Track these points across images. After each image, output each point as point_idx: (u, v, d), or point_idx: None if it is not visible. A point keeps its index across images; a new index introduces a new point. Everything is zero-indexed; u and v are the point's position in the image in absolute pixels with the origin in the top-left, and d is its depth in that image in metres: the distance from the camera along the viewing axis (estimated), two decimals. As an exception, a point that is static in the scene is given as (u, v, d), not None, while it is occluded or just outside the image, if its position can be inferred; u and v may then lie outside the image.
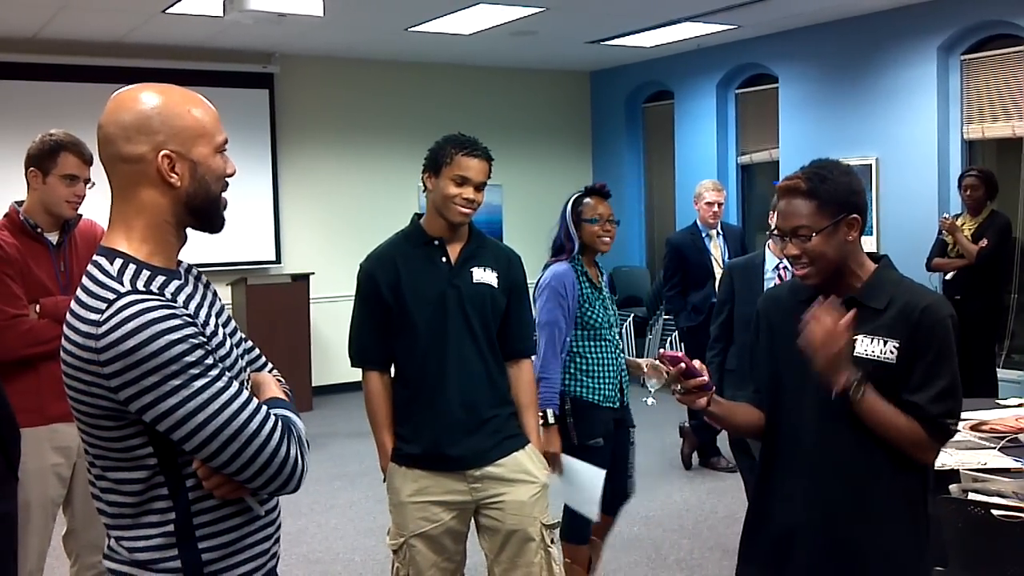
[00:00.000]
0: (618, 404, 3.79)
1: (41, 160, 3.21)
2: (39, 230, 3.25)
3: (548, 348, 3.64)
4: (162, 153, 1.64)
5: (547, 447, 3.47)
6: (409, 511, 2.96)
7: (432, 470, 2.96)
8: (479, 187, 2.93)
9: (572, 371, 3.74)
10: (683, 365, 2.23)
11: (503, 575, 3.02)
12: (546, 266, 3.82)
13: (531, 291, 3.22)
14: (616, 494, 3.90)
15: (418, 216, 3.08)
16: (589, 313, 3.73)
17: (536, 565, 2.98)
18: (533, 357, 3.36)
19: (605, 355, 3.76)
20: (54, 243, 3.29)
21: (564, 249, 3.77)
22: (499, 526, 2.98)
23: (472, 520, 3.05)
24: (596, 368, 3.74)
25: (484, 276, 2.99)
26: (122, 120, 1.65)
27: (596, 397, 3.73)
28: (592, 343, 3.75)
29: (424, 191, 3.01)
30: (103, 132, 1.67)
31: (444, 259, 2.98)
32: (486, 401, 2.97)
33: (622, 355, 3.83)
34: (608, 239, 3.76)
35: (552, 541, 3.04)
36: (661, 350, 2.28)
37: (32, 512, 3.22)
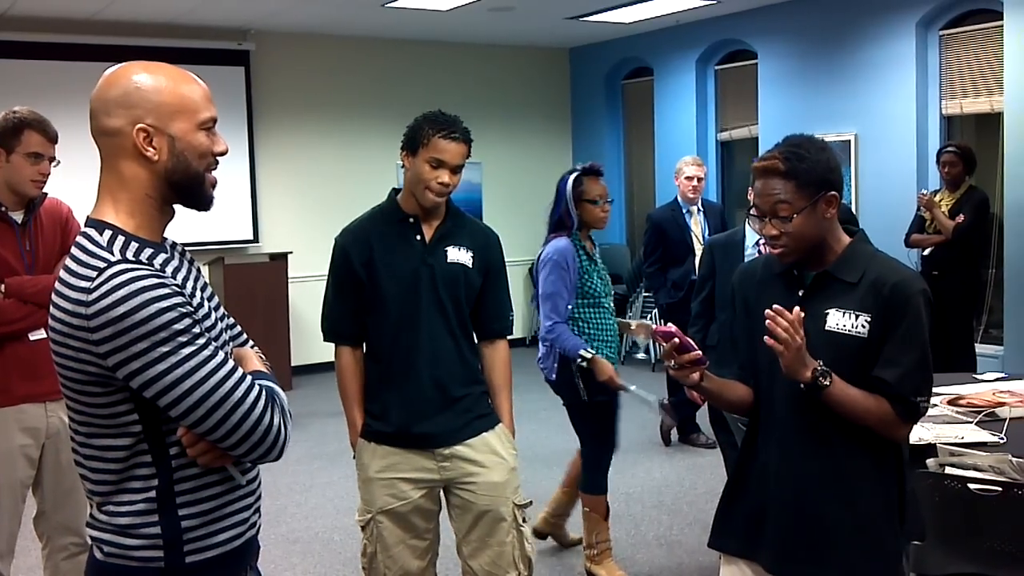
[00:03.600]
0: (616, 364, 4.04)
1: (4, 138, 3.14)
2: (3, 209, 3.19)
3: (552, 316, 3.95)
4: (137, 127, 1.66)
5: (600, 376, 3.86)
6: (376, 487, 2.95)
7: (400, 447, 2.94)
8: (455, 170, 2.87)
9: (576, 337, 3.99)
10: (677, 340, 2.21)
11: (472, 554, 3.00)
12: (546, 241, 4.06)
13: (507, 268, 3.23)
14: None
15: (395, 191, 3.03)
16: (588, 284, 4.00)
17: (508, 544, 2.97)
18: (541, 335, 3.81)
19: (603, 321, 4.06)
20: (19, 222, 3.22)
21: (564, 225, 4.01)
22: (470, 506, 2.97)
23: (442, 499, 3.03)
24: (597, 332, 4.03)
25: (459, 255, 2.96)
26: (105, 95, 1.69)
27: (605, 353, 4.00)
28: (592, 311, 4.03)
29: (403, 168, 2.96)
30: (91, 107, 1.71)
31: (419, 237, 2.94)
32: (457, 380, 2.95)
33: (615, 320, 4.15)
34: (606, 216, 4.05)
35: (524, 520, 3.02)
36: (655, 326, 2.27)
37: (1, 494, 3.19)
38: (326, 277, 3.05)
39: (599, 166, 4.10)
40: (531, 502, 3.13)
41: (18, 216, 3.23)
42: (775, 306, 2.16)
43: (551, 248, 3.98)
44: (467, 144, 2.90)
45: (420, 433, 2.92)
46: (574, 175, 4.02)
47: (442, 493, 3.03)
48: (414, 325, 2.91)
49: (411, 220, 2.95)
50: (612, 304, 4.15)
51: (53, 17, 7.68)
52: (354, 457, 3.05)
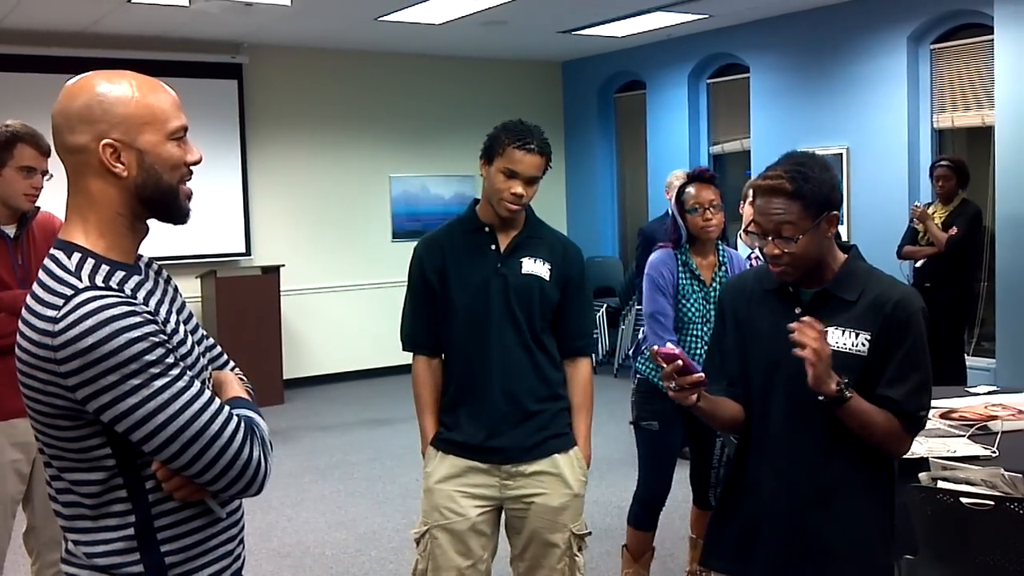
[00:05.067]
0: None
1: None
2: (-4, 223, 3.18)
3: (655, 335, 3.67)
4: (103, 142, 1.57)
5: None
6: (436, 496, 2.88)
7: (468, 458, 2.87)
8: (529, 181, 2.80)
9: (647, 353, 3.75)
10: (680, 362, 2.15)
11: (524, 573, 2.95)
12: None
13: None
14: (700, 484, 4.02)
15: (476, 201, 2.99)
16: (683, 304, 3.72)
17: (558, 572, 2.89)
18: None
19: (685, 347, 3.67)
20: (11, 236, 3.22)
21: (672, 239, 3.78)
22: (523, 525, 2.90)
23: (499, 522, 2.97)
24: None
25: (534, 267, 2.88)
26: (67, 109, 1.60)
27: (656, 380, 3.66)
28: (677, 334, 3.73)
29: (481, 176, 2.91)
30: (53, 122, 1.62)
31: (493, 247, 2.89)
32: (532, 394, 2.86)
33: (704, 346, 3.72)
34: (713, 226, 3.68)
35: (579, 549, 2.93)
36: (655, 347, 2.23)
37: (-9, 509, 3.16)
38: (405, 286, 3.01)
39: (705, 170, 3.80)
40: (590, 532, 3.02)
41: (10, 230, 3.22)
42: (804, 318, 2.14)
43: (648, 262, 3.76)
44: (543, 155, 2.82)
45: (491, 447, 2.84)
46: (684, 184, 3.76)
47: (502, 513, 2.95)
48: (484, 335, 2.83)
49: (487, 229, 2.90)
50: (707, 332, 3.69)
51: (45, 30, 7.68)
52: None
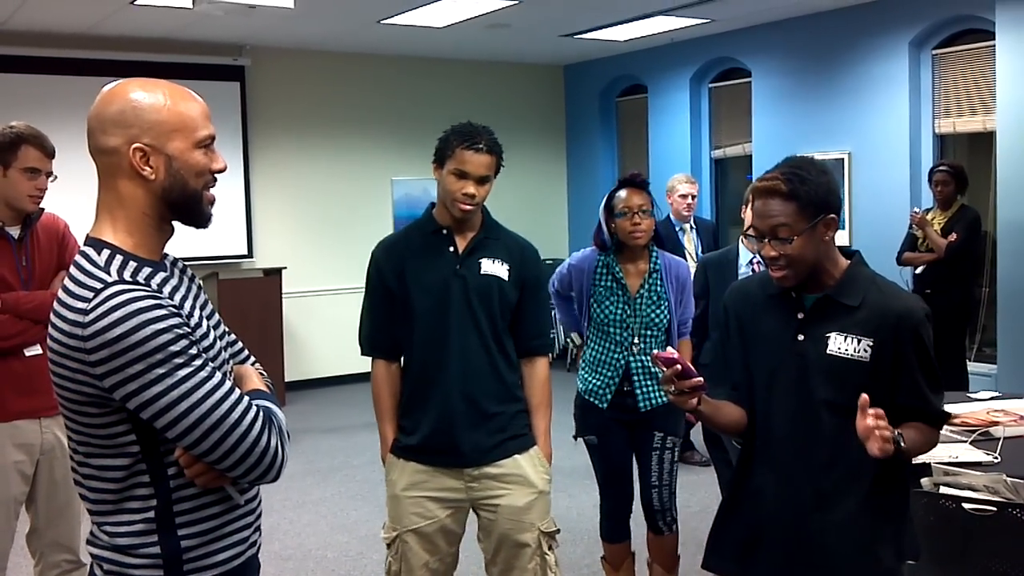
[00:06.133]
0: (606, 405, 3.64)
1: (1, 153, 3.14)
2: (0, 225, 3.19)
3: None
4: (134, 146, 1.66)
5: None
6: (403, 504, 2.91)
7: (429, 464, 2.89)
8: (481, 181, 2.84)
9: (581, 364, 3.75)
10: (679, 367, 2.16)
11: None
12: None
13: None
14: (644, 506, 3.81)
15: (432, 205, 3.01)
16: (596, 309, 3.66)
17: (530, 572, 2.91)
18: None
19: (603, 352, 3.67)
20: (15, 237, 3.22)
21: (596, 243, 3.72)
22: (492, 528, 2.92)
23: (467, 520, 2.99)
24: (591, 363, 3.70)
25: (493, 267, 2.91)
26: (102, 113, 1.68)
27: (589, 396, 3.69)
28: (596, 339, 3.70)
29: (436, 181, 2.93)
30: (88, 124, 1.70)
31: (451, 248, 2.90)
32: (490, 396, 2.88)
33: (628, 355, 3.63)
34: (640, 233, 3.58)
35: (550, 548, 2.95)
36: (655, 351, 2.23)
37: (-6, 511, 3.17)
38: (363, 291, 3.02)
39: (637, 175, 3.72)
40: (559, 530, 3.04)
41: (15, 231, 3.23)
42: (863, 396, 2.05)
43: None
44: (493, 155, 2.85)
45: (448, 450, 2.86)
46: (615, 188, 3.70)
47: (472, 512, 2.98)
48: (445, 337, 2.85)
49: (444, 232, 2.92)
50: (634, 338, 3.62)
51: (49, 32, 7.69)
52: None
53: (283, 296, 8.37)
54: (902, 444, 2.12)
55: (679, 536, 3.89)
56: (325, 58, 9.06)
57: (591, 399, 3.69)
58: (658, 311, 3.65)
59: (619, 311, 3.63)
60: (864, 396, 2.05)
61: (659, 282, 3.66)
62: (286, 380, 8.35)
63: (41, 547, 3.33)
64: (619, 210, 3.59)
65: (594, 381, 3.68)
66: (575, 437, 3.78)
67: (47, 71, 7.59)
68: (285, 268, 8.47)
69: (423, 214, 3.01)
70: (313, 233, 8.97)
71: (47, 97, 7.41)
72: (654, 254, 3.70)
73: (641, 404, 3.62)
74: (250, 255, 8.78)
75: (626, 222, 3.57)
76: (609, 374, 3.64)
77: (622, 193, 3.61)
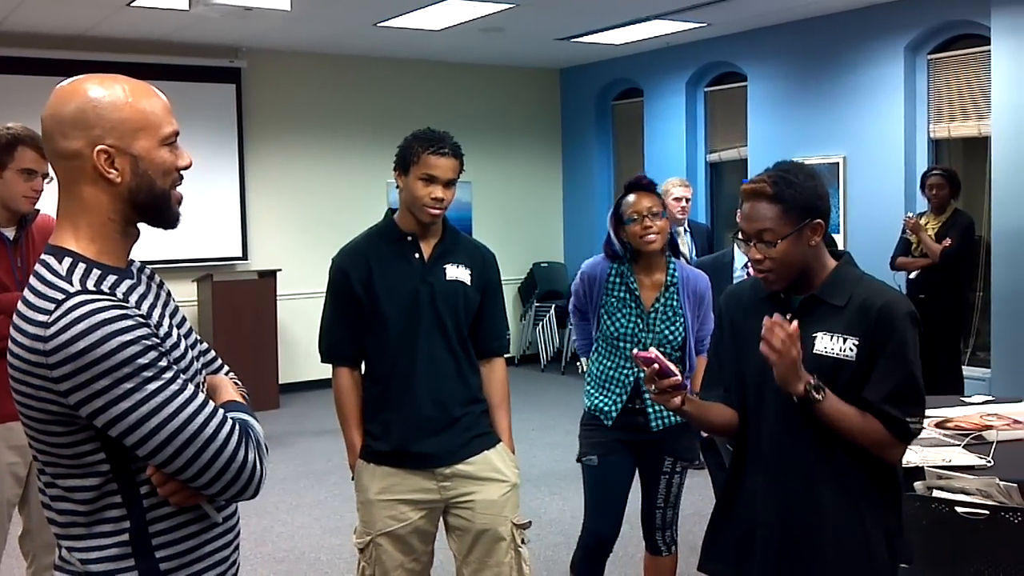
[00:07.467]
0: (611, 423, 3.46)
1: None
2: (-5, 226, 3.18)
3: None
4: (98, 148, 1.56)
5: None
6: (376, 509, 2.92)
7: (401, 468, 2.92)
8: (447, 184, 2.88)
9: (587, 380, 3.60)
10: (657, 366, 2.21)
11: (472, 575, 2.99)
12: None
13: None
14: (644, 524, 3.68)
15: (392, 211, 3.04)
16: (607, 321, 3.48)
17: (506, 565, 2.95)
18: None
19: (613, 368, 3.48)
20: (11, 239, 3.22)
21: (607, 255, 3.51)
22: (469, 526, 2.95)
23: (440, 520, 3.02)
24: (599, 379, 3.52)
25: (457, 273, 2.96)
26: (59, 114, 1.58)
27: (596, 412, 3.51)
28: (605, 353, 3.51)
29: (397, 188, 2.97)
30: (43, 127, 1.60)
31: (417, 255, 2.94)
32: (457, 399, 2.94)
33: (639, 371, 3.28)
34: (653, 236, 3.37)
35: (523, 541, 3.00)
36: (635, 351, 2.26)
37: (-12, 512, 3.16)
38: (324, 298, 3.03)
39: (642, 178, 3.51)
40: (530, 522, 3.10)
41: (10, 232, 3.22)
42: (774, 316, 2.16)
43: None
44: (457, 158, 2.91)
45: (420, 453, 2.90)
46: (622, 195, 3.49)
47: (441, 516, 3.01)
48: (413, 344, 2.89)
49: (409, 238, 2.95)
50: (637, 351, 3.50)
51: (45, 33, 7.69)
52: (352, 479, 3.03)
53: (278, 298, 8.36)
54: (815, 395, 2.14)
55: (677, 555, 3.78)
56: (321, 61, 9.07)
57: (598, 416, 3.51)
58: (673, 328, 3.45)
59: (631, 325, 3.44)
60: (795, 323, 2.14)
61: (675, 296, 3.46)
62: (280, 382, 8.31)
63: (34, 549, 3.33)
64: (628, 216, 3.40)
65: (602, 399, 3.49)
66: (577, 460, 3.59)
67: (43, 72, 7.56)
68: (280, 270, 8.46)
69: (383, 220, 3.05)
70: (308, 235, 8.97)
71: (43, 98, 7.20)
72: (672, 266, 3.50)
73: (653, 423, 3.44)
74: (245, 257, 8.77)
75: (637, 227, 3.38)
76: (617, 391, 3.46)
77: (630, 198, 3.43)
